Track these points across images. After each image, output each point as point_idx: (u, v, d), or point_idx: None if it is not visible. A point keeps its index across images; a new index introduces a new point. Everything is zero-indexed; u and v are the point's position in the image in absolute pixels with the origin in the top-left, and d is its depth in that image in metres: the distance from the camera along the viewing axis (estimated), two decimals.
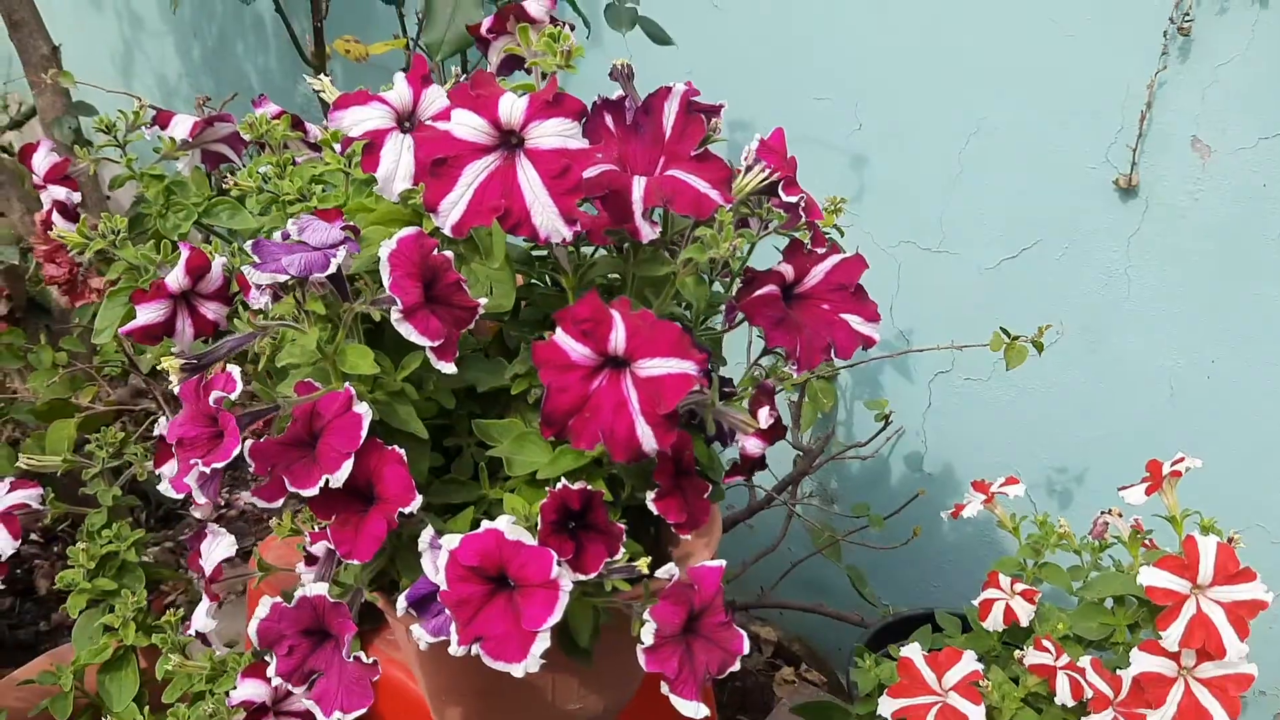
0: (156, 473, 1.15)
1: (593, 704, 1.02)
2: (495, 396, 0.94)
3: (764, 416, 0.82)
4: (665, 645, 0.77)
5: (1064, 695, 1.14)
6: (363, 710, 0.79)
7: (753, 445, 0.85)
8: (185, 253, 0.92)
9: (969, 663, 1.18)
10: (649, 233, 0.80)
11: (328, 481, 0.76)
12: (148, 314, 0.92)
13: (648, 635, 0.76)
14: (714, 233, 0.79)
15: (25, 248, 1.82)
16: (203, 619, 1.08)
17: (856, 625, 1.69)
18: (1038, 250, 1.51)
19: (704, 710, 0.77)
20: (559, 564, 0.73)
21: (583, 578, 0.76)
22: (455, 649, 0.74)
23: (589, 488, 0.78)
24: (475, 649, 0.74)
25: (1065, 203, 1.46)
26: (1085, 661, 1.16)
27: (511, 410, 0.94)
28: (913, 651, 1.20)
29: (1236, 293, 1.36)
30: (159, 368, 0.80)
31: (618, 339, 0.75)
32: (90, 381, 1.53)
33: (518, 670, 0.73)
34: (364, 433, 0.77)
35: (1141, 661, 1.12)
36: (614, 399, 0.76)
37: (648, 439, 0.76)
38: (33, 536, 2.06)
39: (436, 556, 0.75)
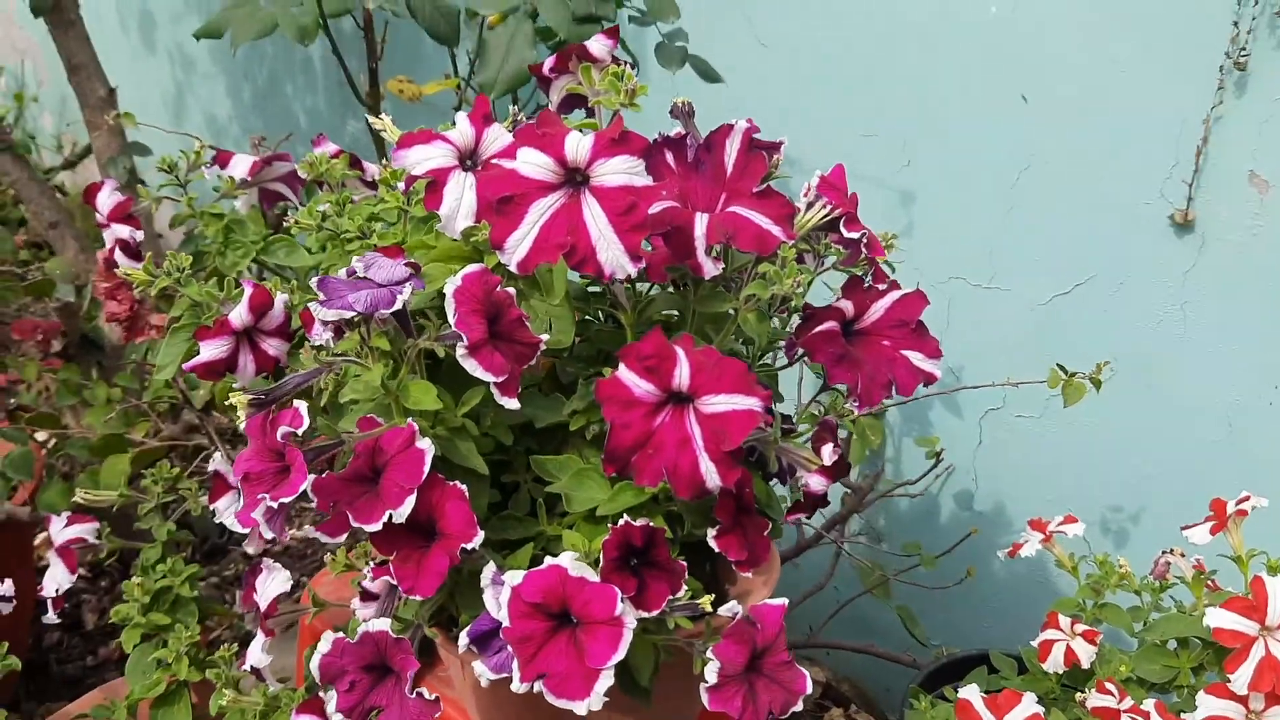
0: (210, 508, 1.16)
1: None
2: (552, 432, 0.94)
3: (827, 453, 0.81)
4: (729, 684, 0.77)
5: None
6: None
7: (816, 483, 0.85)
8: (248, 290, 0.93)
9: (1029, 705, 1.15)
10: (711, 269, 0.80)
11: (391, 517, 0.76)
12: (211, 350, 0.92)
13: (711, 674, 0.76)
14: (777, 269, 0.78)
15: (79, 285, 1.86)
16: (258, 654, 1.08)
17: (908, 666, 1.66)
18: (1091, 285, 1.50)
19: None
20: (622, 601, 0.73)
21: (645, 615, 0.76)
22: (518, 686, 0.73)
23: (651, 524, 0.78)
24: (538, 686, 0.73)
25: (1119, 238, 1.45)
26: (1149, 705, 1.13)
27: (568, 446, 0.94)
28: (971, 693, 1.18)
29: None
30: (224, 402, 0.81)
31: (682, 375, 0.75)
32: (143, 417, 1.55)
33: (580, 708, 0.73)
34: (426, 468, 0.77)
35: (1209, 705, 1.09)
36: (678, 436, 0.76)
37: (711, 476, 0.76)
38: (81, 571, 2.08)
39: (499, 593, 0.75)
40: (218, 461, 1.19)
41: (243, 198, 1.23)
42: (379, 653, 0.80)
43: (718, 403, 0.75)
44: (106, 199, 1.15)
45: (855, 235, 0.85)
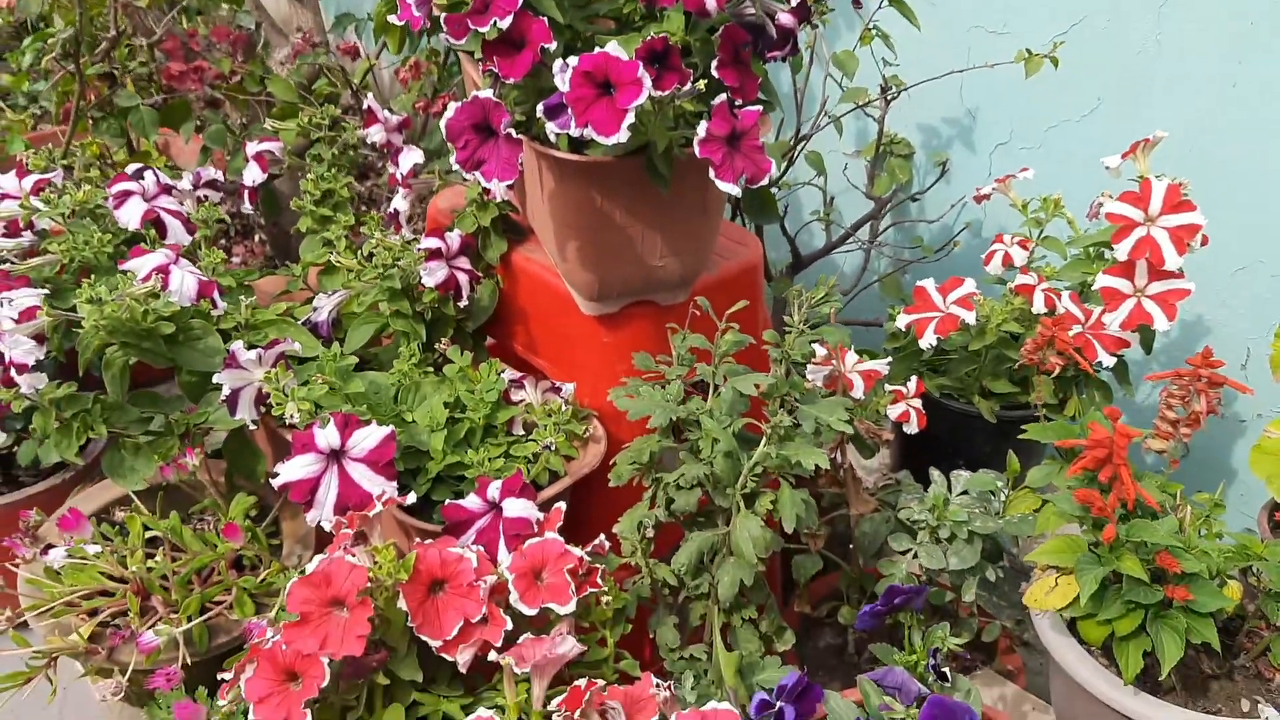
0: (362, 134, 1.58)
1: (671, 266, 1.39)
2: None
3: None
4: (713, 142, 1.14)
5: (1039, 305, 1.46)
6: (511, 180, 1.18)
7: (786, 19, 1.20)
8: None
9: (968, 286, 1.51)
10: None
11: (496, 23, 1.15)
12: None
13: (700, 131, 1.13)
14: None
15: None
16: (401, 202, 1.50)
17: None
18: (1083, 26, 1.77)
19: (737, 190, 1.14)
20: (643, 71, 1.10)
21: (660, 93, 1.13)
22: (574, 130, 1.12)
23: (669, 37, 1.14)
24: (588, 131, 1.12)
25: None
26: (1066, 297, 1.47)
27: None
28: (926, 283, 1.54)
29: None
30: None
31: None
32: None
33: (611, 140, 1.11)
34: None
35: (1103, 280, 1.43)
36: None
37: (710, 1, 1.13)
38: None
39: (565, 72, 1.13)
40: (369, 99, 1.60)
41: None
42: (484, 113, 1.19)
43: None
44: None
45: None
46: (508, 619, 1.16)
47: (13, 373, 1.21)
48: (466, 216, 1.51)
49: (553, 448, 1.33)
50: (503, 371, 1.43)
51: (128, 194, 1.44)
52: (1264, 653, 1.29)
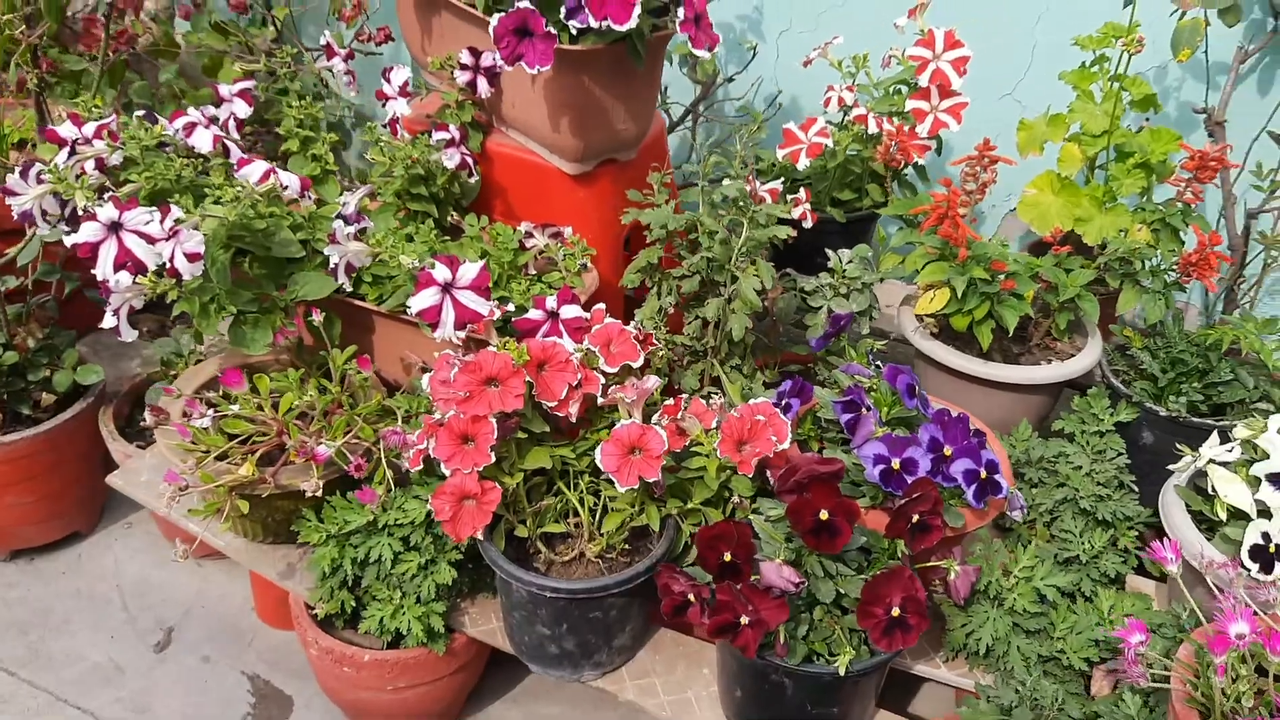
0: None
1: (630, 129, 1.89)
2: None
3: None
4: (688, 22, 1.65)
5: (873, 128, 2.06)
6: (548, 65, 1.63)
7: None
8: None
9: (821, 123, 2.09)
10: None
11: None
12: None
13: (681, 14, 1.64)
14: None
15: None
16: (404, 107, 1.89)
17: None
18: None
19: (708, 55, 1.66)
20: None
21: None
22: (592, 21, 1.59)
23: None
24: (605, 24, 1.59)
25: None
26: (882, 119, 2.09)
27: None
28: (789, 125, 2.11)
29: None
30: None
31: None
32: None
33: (625, 26, 1.58)
34: None
35: (911, 104, 2.06)
36: None
37: None
38: None
39: None
40: (326, 36, 1.96)
41: None
42: (522, 19, 1.62)
43: None
44: None
45: None
46: (600, 377, 1.64)
47: (182, 263, 1.53)
48: (448, 116, 1.93)
49: (587, 266, 1.81)
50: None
51: (194, 124, 1.74)
52: (1047, 332, 2.00)
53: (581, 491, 1.63)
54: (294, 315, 1.75)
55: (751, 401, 1.63)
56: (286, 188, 1.66)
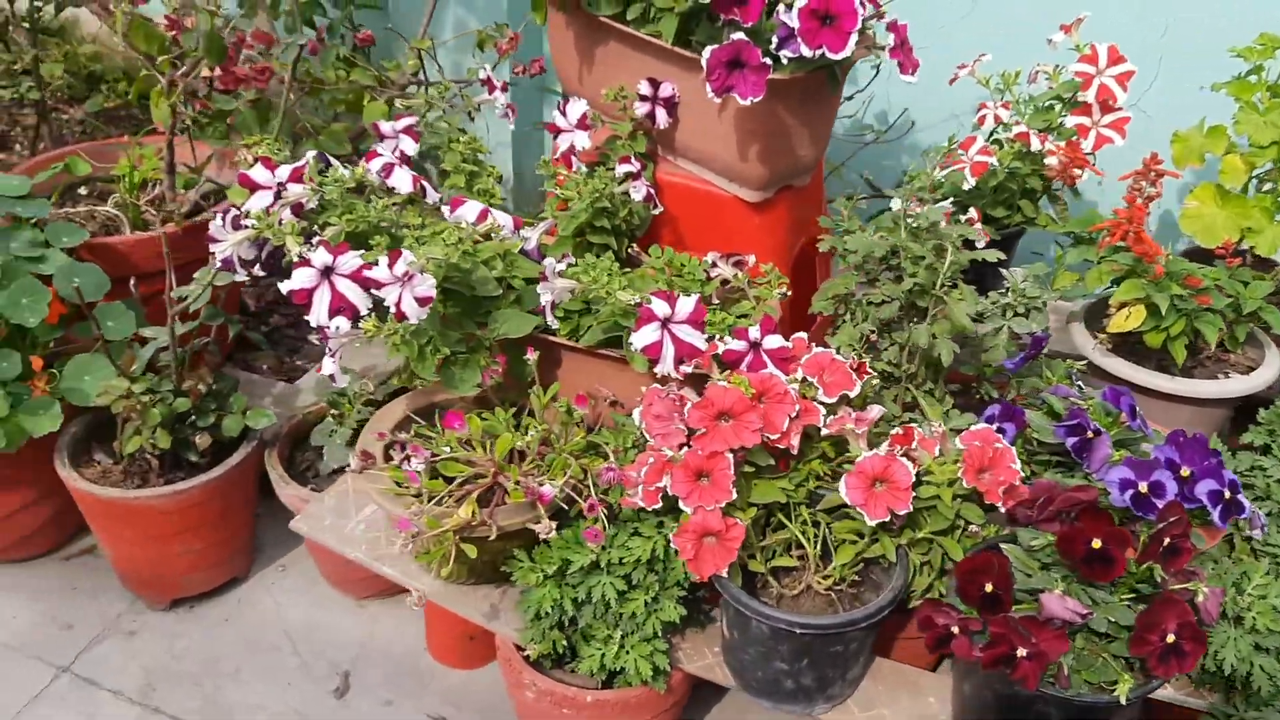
0: None
1: (809, 155, 1.88)
2: None
3: None
4: (897, 49, 1.64)
5: (1035, 145, 2.06)
6: (759, 96, 1.62)
7: None
8: None
9: (980, 141, 2.09)
10: None
11: None
12: None
13: (890, 41, 1.63)
14: None
15: None
16: (584, 139, 1.87)
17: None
18: None
19: (915, 79, 1.65)
20: (858, 3, 1.58)
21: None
22: (806, 51, 1.58)
23: None
24: (818, 52, 1.58)
25: None
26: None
27: None
28: (943, 146, 2.10)
29: None
30: None
31: None
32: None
33: (840, 55, 1.58)
34: None
35: (1073, 120, 2.07)
36: None
37: None
38: None
39: (790, 12, 1.58)
40: (488, 70, 1.94)
41: None
42: (735, 52, 1.61)
43: None
44: None
45: None
46: (820, 408, 1.63)
47: (412, 307, 1.51)
48: (620, 148, 1.91)
49: (786, 294, 1.79)
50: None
51: (391, 165, 1.72)
52: (1220, 345, 2.00)
53: (805, 524, 1.62)
54: (496, 353, 1.73)
55: (973, 428, 1.62)
56: (503, 228, 1.64)
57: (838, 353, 1.81)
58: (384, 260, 1.53)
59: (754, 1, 1.61)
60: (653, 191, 1.88)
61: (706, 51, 1.62)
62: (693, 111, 1.85)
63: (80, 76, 3.71)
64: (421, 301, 1.52)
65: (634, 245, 1.94)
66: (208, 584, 2.14)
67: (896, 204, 1.91)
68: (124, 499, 1.93)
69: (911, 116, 2.64)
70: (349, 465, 2.01)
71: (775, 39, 1.62)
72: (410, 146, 1.96)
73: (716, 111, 1.81)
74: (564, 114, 1.91)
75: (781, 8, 1.61)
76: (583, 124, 1.88)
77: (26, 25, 2.99)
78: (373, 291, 1.55)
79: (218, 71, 2.03)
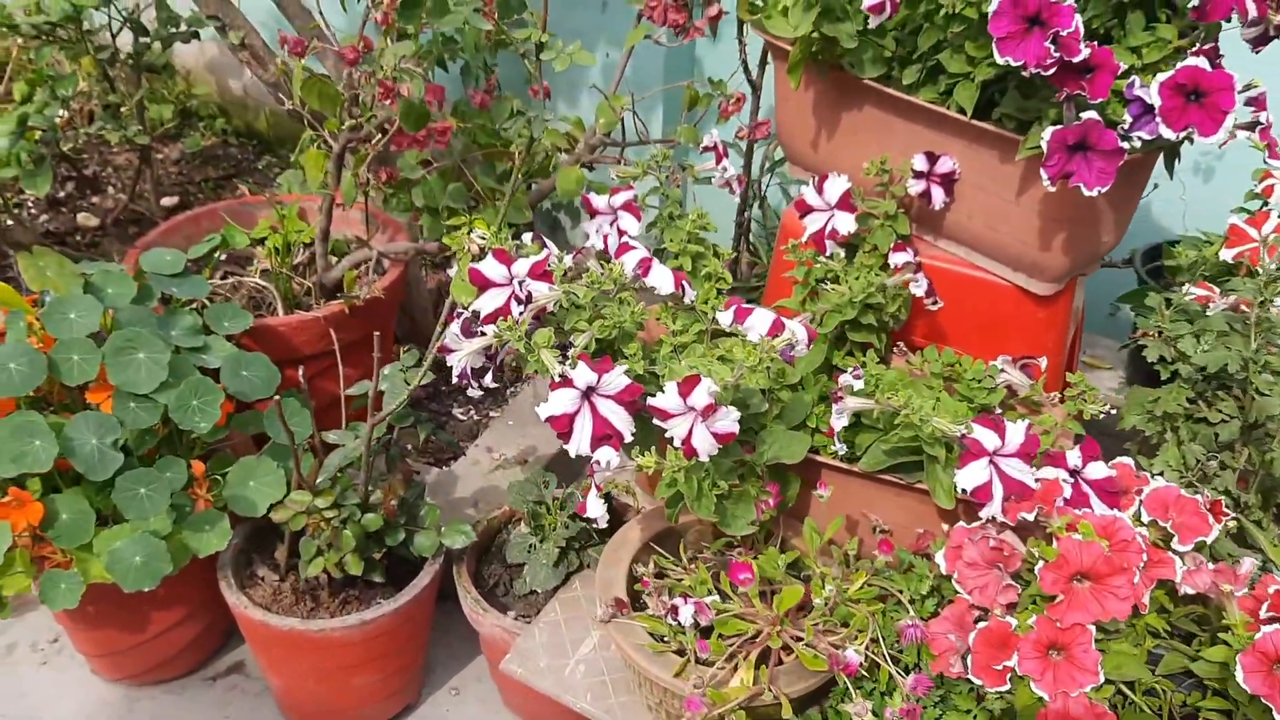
0: None
1: (1111, 240, 1.61)
2: None
3: None
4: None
5: None
6: (1107, 185, 1.36)
7: None
8: None
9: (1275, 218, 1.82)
10: None
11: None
12: None
13: (1229, 123, 1.37)
14: None
15: None
16: (851, 224, 1.61)
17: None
18: None
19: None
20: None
21: None
22: (1169, 134, 1.31)
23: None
24: (1186, 134, 1.31)
25: None
26: None
27: None
28: (1235, 219, 1.84)
29: None
30: None
31: None
32: None
33: (1213, 139, 1.31)
34: None
35: None
36: None
37: None
38: None
39: (1147, 88, 1.32)
40: (714, 137, 1.68)
41: None
42: (1081, 133, 1.35)
43: None
44: None
45: None
46: (1175, 558, 1.36)
47: (706, 443, 1.25)
48: (882, 230, 1.65)
49: (1108, 411, 1.53)
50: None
51: (649, 261, 1.45)
52: None
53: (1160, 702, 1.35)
54: (767, 481, 1.46)
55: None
56: (799, 342, 1.38)
57: (1157, 478, 1.54)
58: (672, 387, 1.27)
59: (1104, 73, 1.34)
60: (928, 284, 1.62)
61: (1047, 132, 1.35)
62: (976, 190, 1.59)
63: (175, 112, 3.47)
64: (721, 438, 1.26)
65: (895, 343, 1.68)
66: (382, 716, 1.87)
67: (1196, 291, 1.65)
68: (305, 631, 1.67)
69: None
70: (552, 586, 1.76)
71: (1128, 117, 1.35)
72: (633, 226, 1.69)
73: (1013, 193, 1.54)
74: (820, 192, 1.64)
75: (1136, 81, 1.35)
76: (845, 204, 1.62)
77: (130, 63, 2.74)
78: (656, 422, 1.29)
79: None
